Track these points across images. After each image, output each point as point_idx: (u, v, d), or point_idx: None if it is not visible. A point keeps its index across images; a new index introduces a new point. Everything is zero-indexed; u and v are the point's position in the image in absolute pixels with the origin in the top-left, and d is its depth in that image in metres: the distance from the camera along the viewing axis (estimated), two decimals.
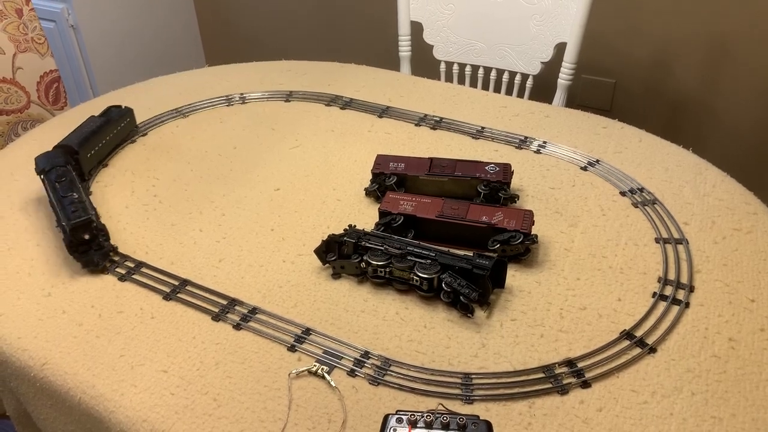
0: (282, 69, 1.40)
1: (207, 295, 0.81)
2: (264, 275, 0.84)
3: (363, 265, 0.81)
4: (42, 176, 0.93)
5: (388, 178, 0.96)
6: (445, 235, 0.87)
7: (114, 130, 1.05)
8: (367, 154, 1.08)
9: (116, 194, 1.01)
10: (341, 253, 0.83)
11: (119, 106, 1.07)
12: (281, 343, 0.74)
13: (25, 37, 1.44)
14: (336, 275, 0.84)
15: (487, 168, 0.94)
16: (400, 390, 0.68)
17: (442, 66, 1.56)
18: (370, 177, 0.98)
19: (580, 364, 0.70)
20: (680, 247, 0.85)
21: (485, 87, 1.49)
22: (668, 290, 0.79)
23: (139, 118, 1.22)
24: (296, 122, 1.19)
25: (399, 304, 0.79)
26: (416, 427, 0.58)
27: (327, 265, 0.85)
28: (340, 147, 1.11)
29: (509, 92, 1.53)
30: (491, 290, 0.78)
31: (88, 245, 0.85)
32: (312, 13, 2.23)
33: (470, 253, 0.78)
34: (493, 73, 1.52)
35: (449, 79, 1.58)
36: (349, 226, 0.86)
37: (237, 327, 0.76)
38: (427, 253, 0.79)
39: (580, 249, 0.86)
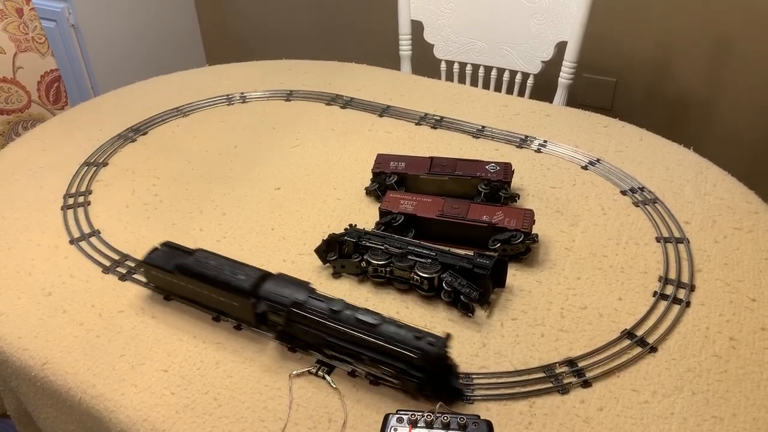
0: (282, 68, 1.40)
1: None
2: None
3: (363, 264, 0.81)
4: (284, 318, 0.71)
5: (388, 178, 0.95)
6: (445, 235, 0.87)
7: None
8: (367, 154, 1.08)
9: (117, 193, 1.01)
10: (342, 253, 0.83)
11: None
12: (282, 343, 0.74)
13: (26, 37, 1.44)
14: (336, 275, 0.83)
15: (487, 167, 0.94)
16: (401, 389, 0.68)
17: (443, 65, 1.56)
18: (371, 176, 0.98)
19: (581, 364, 0.70)
20: (681, 246, 0.85)
21: (486, 86, 1.49)
22: (669, 289, 0.79)
23: (140, 117, 1.22)
24: (297, 121, 1.19)
25: (399, 303, 0.79)
26: (417, 427, 0.58)
27: (327, 264, 0.85)
28: (340, 146, 1.11)
29: (510, 91, 1.52)
30: (492, 290, 0.78)
31: (446, 372, 0.66)
32: (312, 12, 2.22)
33: (471, 253, 0.78)
34: (494, 72, 1.52)
35: (450, 78, 1.58)
36: (350, 225, 0.85)
37: (238, 327, 0.76)
38: (427, 252, 0.79)
39: (580, 248, 0.86)
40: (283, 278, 0.74)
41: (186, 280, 0.76)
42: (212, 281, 0.74)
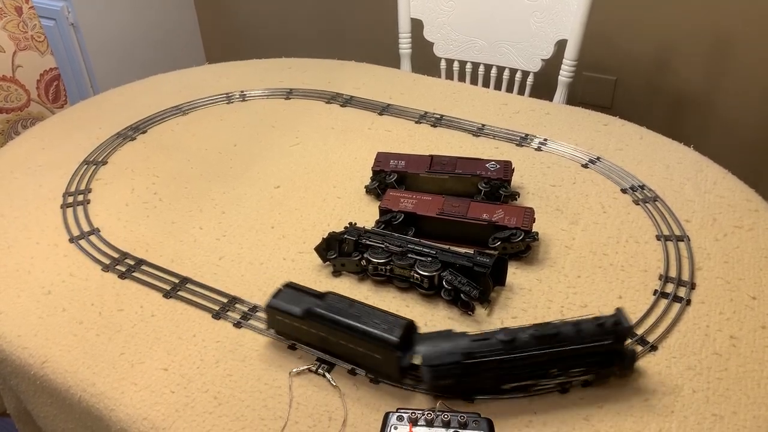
0: (282, 66, 1.39)
1: (207, 293, 0.81)
2: (264, 273, 0.84)
3: (363, 262, 0.81)
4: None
5: (388, 176, 0.95)
6: (445, 233, 0.86)
7: None
8: (367, 152, 1.08)
9: (116, 192, 1.01)
10: (342, 251, 0.83)
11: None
12: (282, 341, 0.74)
13: (25, 35, 1.44)
14: (336, 273, 0.83)
15: (487, 165, 0.94)
16: (401, 388, 0.68)
17: (443, 63, 1.55)
18: (371, 174, 0.98)
19: None
20: (681, 245, 0.85)
21: (486, 84, 1.49)
22: (669, 288, 0.79)
23: (139, 115, 1.22)
24: (296, 120, 1.19)
25: (399, 301, 0.79)
26: (417, 425, 0.58)
27: (327, 262, 0.84)
28: (340, 144, 1.11)
29: (510, 89, 1.52)
30: (492, 288, 0.78)
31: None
32: (312, 11, 2.22)
33: (471, 251, 0.78)
34: (494, 71, 1.52)
35: (449, 76, 1.58)
36: (350, 223, 0.85)
37: (237, 325, 0.76)
38: (427, 250, 0.79)
39: (580, 246, 0.86)
40: (428, 337, 0.66)
41: (317, 327, 0.69)
42: (352, 330, 0.67)
